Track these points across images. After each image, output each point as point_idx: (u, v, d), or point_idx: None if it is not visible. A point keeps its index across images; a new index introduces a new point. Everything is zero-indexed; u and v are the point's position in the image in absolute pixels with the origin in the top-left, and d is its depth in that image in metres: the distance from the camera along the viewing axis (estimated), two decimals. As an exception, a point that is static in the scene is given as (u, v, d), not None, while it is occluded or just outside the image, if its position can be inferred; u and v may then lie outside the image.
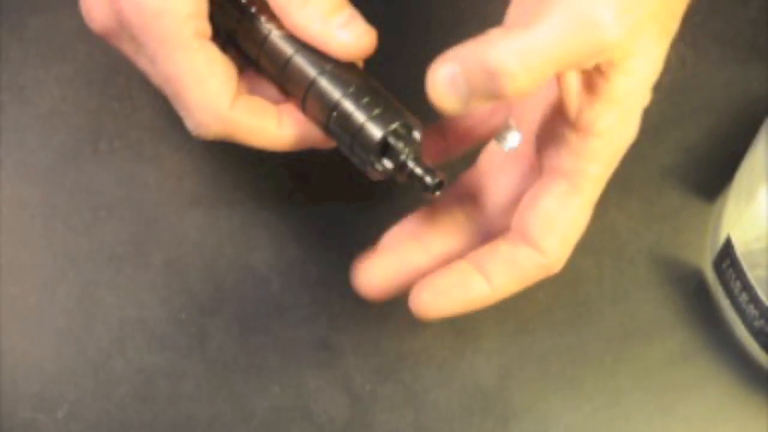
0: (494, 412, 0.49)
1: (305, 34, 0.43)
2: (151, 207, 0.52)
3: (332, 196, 0.52)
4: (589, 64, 0.39)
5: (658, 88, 0.54)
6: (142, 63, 0.44)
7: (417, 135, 0.42)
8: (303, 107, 0.44)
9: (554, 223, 0.42)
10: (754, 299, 0.46)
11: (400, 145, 0.42)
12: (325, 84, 0.43)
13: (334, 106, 0.42)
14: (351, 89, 0.42)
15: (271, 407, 0.49)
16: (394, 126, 0.42)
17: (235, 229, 0.51)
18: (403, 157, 0.42)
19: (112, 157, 0.52)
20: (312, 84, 0.43)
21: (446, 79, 0.39)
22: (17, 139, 0.53)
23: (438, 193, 0.42)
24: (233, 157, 0.52)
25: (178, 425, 0.48)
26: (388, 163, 0.42)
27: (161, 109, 0.53)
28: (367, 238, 0.46)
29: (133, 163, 0.52)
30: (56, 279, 0.50)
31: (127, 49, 0.44)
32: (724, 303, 0.49)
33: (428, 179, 0.42)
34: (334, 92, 0.42)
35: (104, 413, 0.48)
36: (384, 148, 0.42)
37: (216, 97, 0.42)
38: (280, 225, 0.51)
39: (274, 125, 0.44)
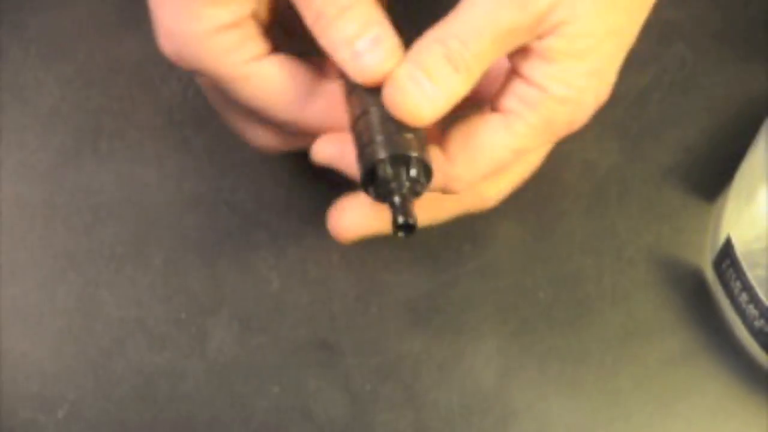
0: (494, 412, 0.49)
1: (331, 56, 0.41)
2: (151, 207, 0.52)
3: (333, 196, 0.52)
4: (531, 33, 0.40)
5: (658, 88, 0.54)
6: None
7: (414, 172, 0.40)
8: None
9: (471, 138, 0.42)
10: (754, 299, 0.46)
11: (390, 174, 0.40)
12: (362, 93, 0.42)
13: (362, 114, 0.41)
14: (378, 104, 0.41)
15: (271, 407, 0.49)
16: (397, 153, 0.40)
17: (235, 229, 0.51)
18: (390, 186, 0.40)
19: (112, 157, 0.52)
20: (353, 90, 0.42)
21: (405, 77, 0.40)
22: (17, 139, 0.53)
23: (402, 234, 0.40)
24: (233, 157, 0.52)
25: (178, 425, 0.48)
26: (372, 190, 0.41)
27: (161, 109, 0.53)
28: (367, 239, 0.46)
29: (133, 163, 0.52)
30: (56, 279, 0.50)
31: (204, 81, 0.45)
32: (724, 303, 0.49)
33: (400, 218, 0.40)
34: (367, 99, 0.41)
35: (104, 413, 0.48)
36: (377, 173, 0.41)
37: (291, 105, 0.43)
38: (280, 225, 0.51)
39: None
